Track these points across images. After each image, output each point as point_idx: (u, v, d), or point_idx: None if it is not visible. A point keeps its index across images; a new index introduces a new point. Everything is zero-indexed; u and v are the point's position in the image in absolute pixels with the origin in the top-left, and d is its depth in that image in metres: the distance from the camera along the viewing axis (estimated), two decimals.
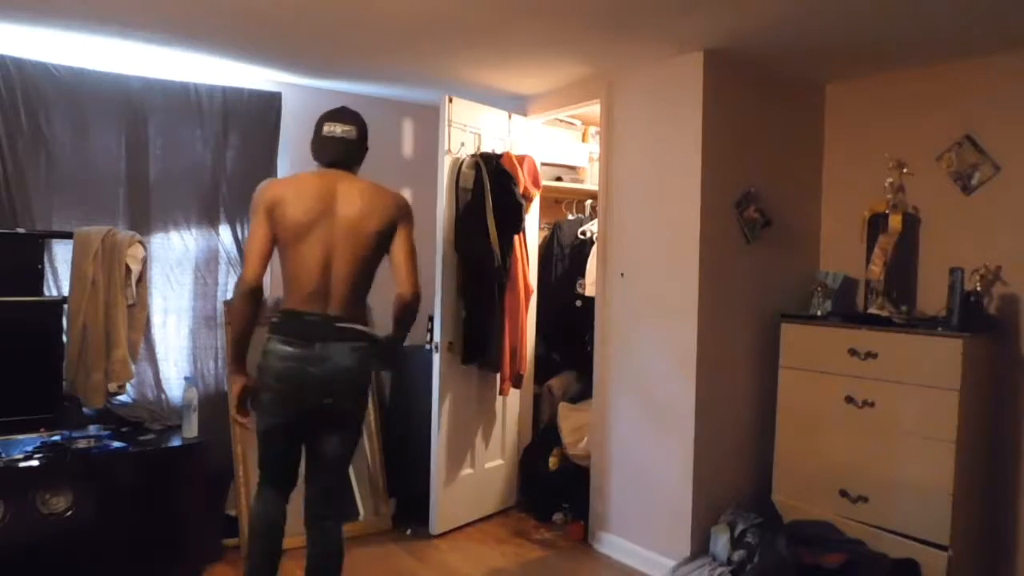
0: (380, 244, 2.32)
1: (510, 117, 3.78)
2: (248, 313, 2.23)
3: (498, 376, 3.64)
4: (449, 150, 3.42)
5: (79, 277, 2.84)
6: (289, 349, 2.19)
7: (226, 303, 3.46)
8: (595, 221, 3.74)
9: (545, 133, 4.13)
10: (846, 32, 2.71)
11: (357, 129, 2.34)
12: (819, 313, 3.19)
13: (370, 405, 3.53)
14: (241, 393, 2.32)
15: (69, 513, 2.68)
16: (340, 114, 2.34)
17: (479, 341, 3.50)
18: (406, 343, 2.67)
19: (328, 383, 2.21)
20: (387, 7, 2.54)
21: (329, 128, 2.29)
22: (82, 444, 2.84)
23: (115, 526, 2.76)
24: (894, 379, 2.77)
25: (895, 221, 3.12)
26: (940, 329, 2.73)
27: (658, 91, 3.18)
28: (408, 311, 2.35)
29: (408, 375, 3.87)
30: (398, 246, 2.33)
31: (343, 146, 2.30)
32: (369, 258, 2.32)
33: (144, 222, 3.23)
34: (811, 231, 3.52)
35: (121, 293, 2.90)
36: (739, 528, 2.93)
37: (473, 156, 3.51)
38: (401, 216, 2.34)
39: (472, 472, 3.65)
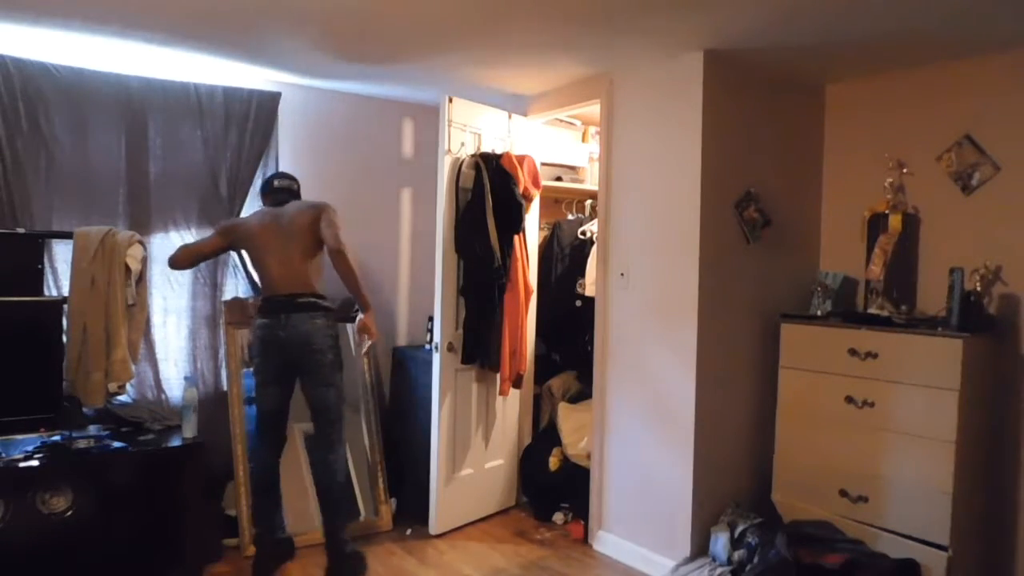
0: (314, 232, 2.92)
1: (510, 117, 3.78)
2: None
3: (498, 376, 3.64)
4: (449, 150, 3.42)
5: (79, 277, 2.84)
6: (265, 320, 2.91)
7: (226, 303, 3.46)
8: (595, 221, 3.74)
9: (545, 133, 4.13)
10: (846, 32, 2.71)
11: (294, 183, 3.21)
12: (819, 313, 3.19)
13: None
14: None
15: (69, 513, 2.68)
16: (281, 175, 3.24)
17: (479, 341, 3.50)
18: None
19: (292, 342, 2.87)
20: (387, 7, 2.54)
21: (278, 183, 3.17)
22: (82, 444, 2.84)
23: (115, 526, 2.76)
24: (894, 379, 2.77)
25: (895, 221, 3.12)
26: (940, 329, 2.73)
27: (658, 91, 3.18)
28: (340, 261, 2.85)
29: (408, 375, 3.87)
30: (322, 223, 2.91)
31: (286, 194, 3.14)
32: (309, 247, 2.94)
33: (144, 222, 3.24)
34: (811, 231, 3.52)
35: (121, 293, 2.90)
36: (739, 528, 2.93)
37: (473, 156, 3.51)
38: (319, 207, 2.97)
39: (472, 472, 3.65)
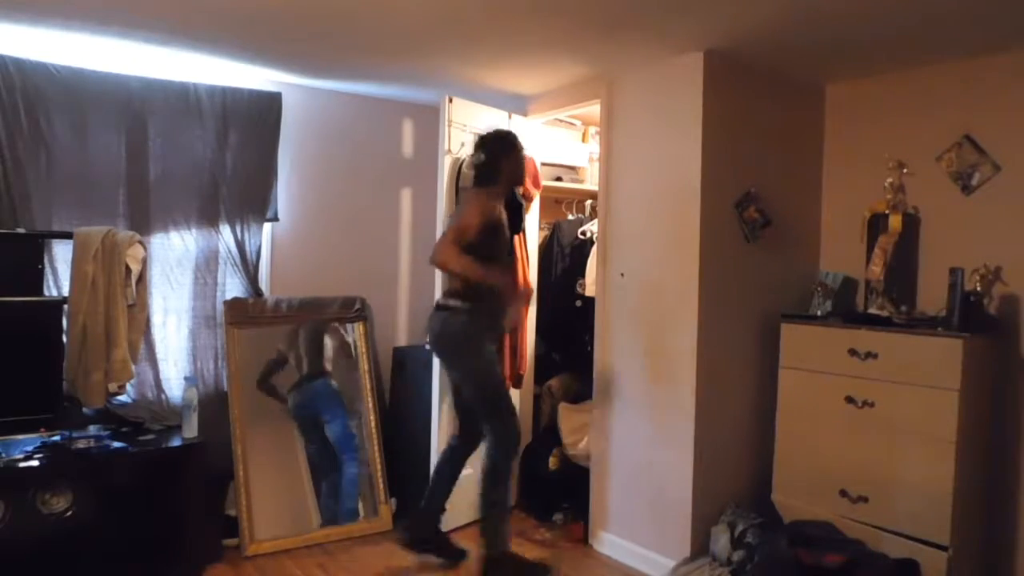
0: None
1: (510, 117, 3.78)
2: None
3: None
4: (449, 150, 3.42)
5: (79, 277, 2.84)
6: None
7: (226, 303, 3.46)
8: (595, 221, 3.74)
9: (545, 133, 4.13)
10: (846, 32, 2.71)
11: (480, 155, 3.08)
12: (819, 313, 3.19)
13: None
14: None
15: (69, 513, 2.68)
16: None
17: None
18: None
19: (432, 341, 3.07)
20: (387, 7, 2.54)
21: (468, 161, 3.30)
22: (82, 444, 2.84)
23: (115, 526, 2.76)
24: (894, 379, 2.76)
25: (895, 221, 3.12)
26: (940, 329, 2.73)
27: (658, 91, 3.18)
28: (435, 267, 3.05)
29: (408, 375, 3.87)
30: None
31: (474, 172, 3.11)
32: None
33: (144, 222, 3.23)
34: (811, 231, 3.52)
35: (121, 293, 2.90)
36: (739, 528, 2.93)
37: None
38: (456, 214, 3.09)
39: (472, 472, 3.62)
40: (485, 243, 2.87)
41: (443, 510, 3.18)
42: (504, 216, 3.02)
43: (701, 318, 2.99)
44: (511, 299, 3.11)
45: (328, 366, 3.69)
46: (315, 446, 3.55)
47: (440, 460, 3.21)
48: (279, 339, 3.59)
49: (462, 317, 2.92)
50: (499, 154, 3.03)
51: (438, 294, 3.40)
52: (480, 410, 2.99)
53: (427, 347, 3.16)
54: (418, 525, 3.14)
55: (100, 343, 2.85)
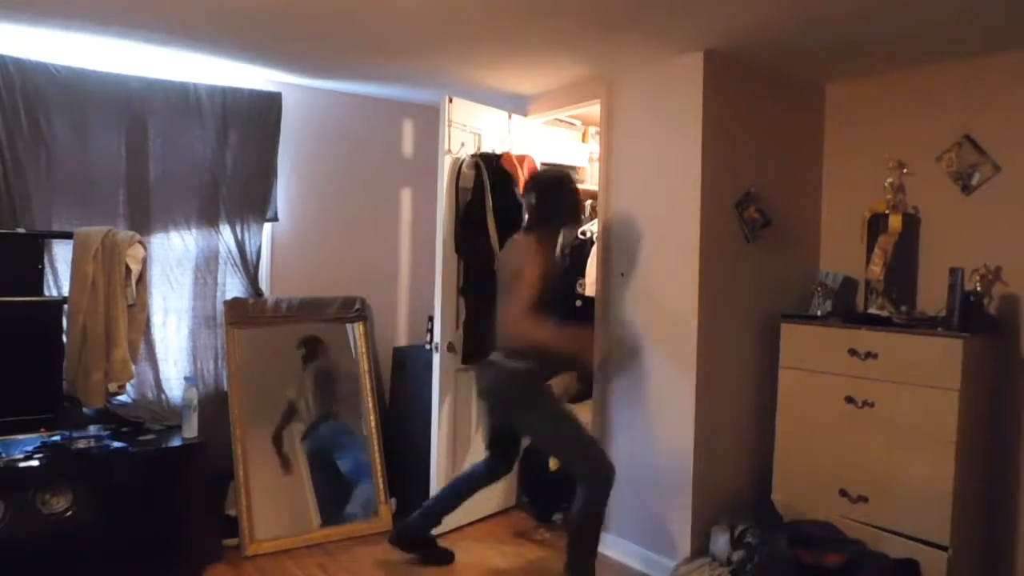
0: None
1: (510, 117, 3.78)
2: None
3: None
4: (449, 150, 3.42)
5: (79, 277, 2.84)
6: None
7: (226, 303, 3.46)
8: (595, 221, 3.74)
9: (545, 133, 4.12)
10: (846, 32, 2.71)
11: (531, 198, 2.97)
12: (819, 313, 3.19)
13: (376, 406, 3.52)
14: None
15: (69, 513, 2.68)
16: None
17: (479, 341, 3.49)
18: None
19: (493, 400, 3.05)
20: (387, 7, 2.54)
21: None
22: (82, 444, 2.84)
23: (115, 526, 2.76)
24: (894, 379, 2.76)
25: (895, 221, 3.12)
26: (940, 329, 2.73)
27: (658, 91, 3.18)
28: (515, 340, 2.85)
29: (408, 375, 3.87)
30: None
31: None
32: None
33: (144, 222, 3.23)
34: (811, 231, 3.52)
35: (121, 293, 2.90)
36: (739, 528, 2.93)
37: (473, 156, 3.50)
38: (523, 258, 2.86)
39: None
40: (546, 294, 2.76)
41: (440, 522, 3.20)
42: (561, 260, 2.92)
43: (701, 318, 2.99)
44: (584, 359, 3.03)
45: (337, 407, 3.70)
46: (325, 487, 3.54)
47: (461, 476, 3.21)
48: (289, 388, 3.59)
49: (527, 376, 2.83)
50: (559, 196, 2.92)
51: (438, 295, 3.41)
52: (566, 462, 2.96)
53: (479, 398, 3.18)
54: (414, 526, 3.16)
55: (100, 343, 2.85)
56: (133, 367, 2.95)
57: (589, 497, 2.75)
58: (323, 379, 3.70)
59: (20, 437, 2.79)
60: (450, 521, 3.49)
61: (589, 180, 4.32)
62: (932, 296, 3.03)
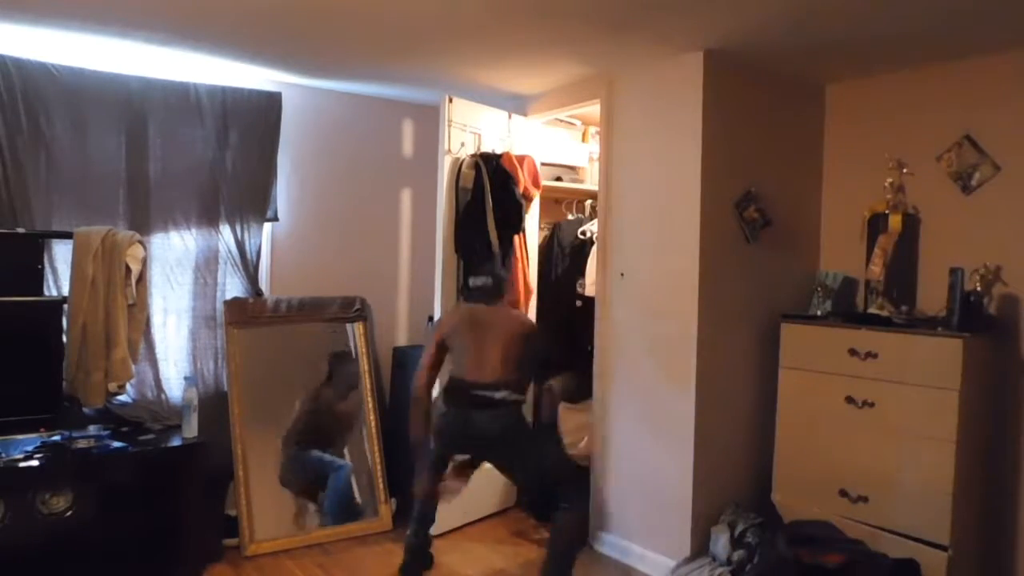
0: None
1: (510, 117, 3.78)
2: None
3: None
4: (449, 150, 3.42)
5: (79, 277, 2.84)
6: None
7: (226, 303, 3.46)
8: (595, 221, 3.74)
9: (545, 133, 4.12)
10: (846, 32, 2.71)
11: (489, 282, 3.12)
12: (819, 313, 3.19)
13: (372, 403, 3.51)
14: None
15: (69, 513, 2.68)
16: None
17: None
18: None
19: (485, 443, 2.89)
20: (387, 7, 2.54)
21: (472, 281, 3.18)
22: (82, 444, 2.84)
23: (115, 526, 2.76)
24: (894, 379, 2.76)
25: (895, 221, 3.12)
26: (940, 329, 2.73)
27: (658, 91, 3.18)
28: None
29: (408, 375, 3.86)
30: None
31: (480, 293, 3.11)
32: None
33: (144, 222, 3.23)
34: (811, 231, 3.52)
35: (121, 293, 2.90)
36: (739, 528, 2.93)
37: (473, 156, 3.50)
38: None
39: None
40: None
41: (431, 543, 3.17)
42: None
43: (701, 318, 2.99)
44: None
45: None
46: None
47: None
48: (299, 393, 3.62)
49: (518, 409, 2.86)
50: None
51: (438, 295, 3.40)
52: (563, 491, 2.82)
53: (467, 455, 2.98)
54: (420, 556, 3.10)
55: (100, 343, 2.85)
56: (133, 367, 2.95)
57: (578, 517, 2.85)
58: (335, 402, 3.71)
59: (20, 437, 2.78)
60: (449, 521, 3.50)
61: (589, 180, 4.32)
62: (932, 296, 3.03)
